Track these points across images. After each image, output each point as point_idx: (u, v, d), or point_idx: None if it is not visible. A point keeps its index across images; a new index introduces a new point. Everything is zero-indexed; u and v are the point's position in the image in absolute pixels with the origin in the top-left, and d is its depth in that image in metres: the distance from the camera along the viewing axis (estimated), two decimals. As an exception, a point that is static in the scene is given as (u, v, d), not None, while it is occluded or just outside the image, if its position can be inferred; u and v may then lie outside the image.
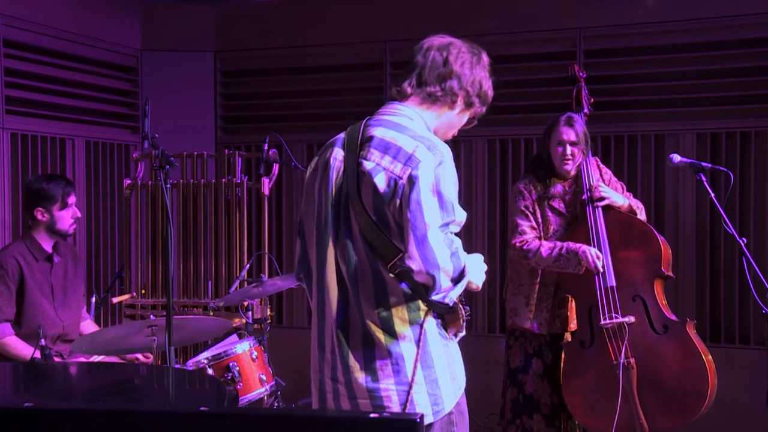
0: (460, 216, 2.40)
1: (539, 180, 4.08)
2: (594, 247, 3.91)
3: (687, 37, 5.08)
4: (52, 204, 4.02)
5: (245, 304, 4.31)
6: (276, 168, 4.75)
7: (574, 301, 4.06)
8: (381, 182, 2.36)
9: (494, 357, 4.92)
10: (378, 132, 2.44)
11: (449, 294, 2.38)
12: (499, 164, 5.47)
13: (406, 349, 2.40)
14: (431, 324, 2.43)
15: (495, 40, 5.35)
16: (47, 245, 4.08)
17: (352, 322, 2.42)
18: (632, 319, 3.86)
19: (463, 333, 2.51)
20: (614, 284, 3.89)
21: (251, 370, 3.90)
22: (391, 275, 2.36)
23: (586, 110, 4.22)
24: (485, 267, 2.53)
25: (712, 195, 3.59)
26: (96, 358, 3.97)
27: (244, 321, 4.33)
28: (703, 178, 3.60)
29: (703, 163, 3.68)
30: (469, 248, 2.44)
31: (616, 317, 3.86)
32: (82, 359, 3.98)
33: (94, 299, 4.41)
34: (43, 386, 3.10)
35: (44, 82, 5.17)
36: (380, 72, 5.65)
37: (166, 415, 1.71)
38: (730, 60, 5.03)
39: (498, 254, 5.41)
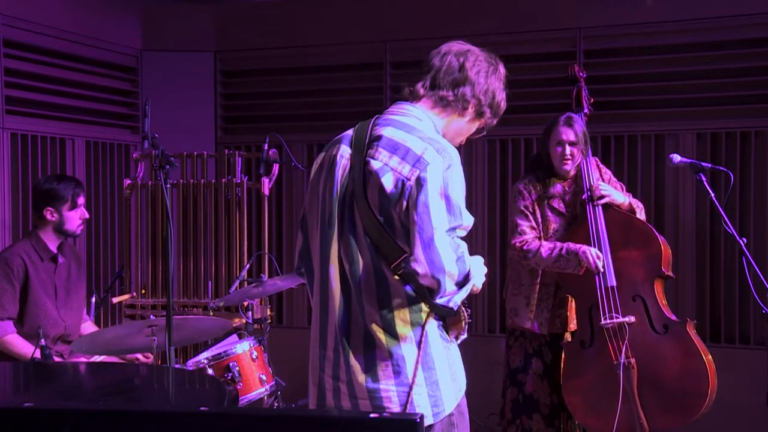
0: (468, 221, 2.39)
1: (539, 180, 4.08)
2: (594, 246, 3.91)
3: (687, 37, 5.08)
4: (62, 204, 4.04)
5: (245, 304, 4.31)
6: (276, 168, 4.75)
7: (574, 301, 4.06)
8: (388, 183, 2.34)
9: (494, 357, 4.92)
10: (387, 132, 2.42)
11: (453, 298, 2.37)
12: (499, 164, 5.47)
13: (407, 350, 2.40)
14: (433, 326, 2.43)
15: (495, 40, 5.34)
16: (53, 245, 4.10)
17: (354, 321, 2.42)
18: (632, 318, 3.87)
19: (465, 336, 2.51)
20: (614, 284, 3.89)
21: (251, 370, 3.90)
22: (395, 277, 2.36)
23: (586, 110, 4.22)
24: (485, 269, 2.53)
25: (712, 195, 3.59)
26: (97, 358, 3.97)
27: (244, 321, 4.33)
28: (703, 178, 3.60)
29: (703, 163, 3.68)
30: (469, 248, 2.44)
31: (617, 317, 3.86)
32: (83, 359, 3.98)
33: (94, 299, 4.41)
34: (43, 386, 3.10)
35: (44, 82, 5.17)
36: (380, 72, 5.65)
37: (166, 415, 1.71)
38: (730, 60, 5.03)
39: (498, 254, 5.41)
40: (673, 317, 3.90)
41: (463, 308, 2.46)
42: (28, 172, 5.04)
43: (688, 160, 3.76)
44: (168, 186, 3.61)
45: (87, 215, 4.17)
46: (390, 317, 2.38)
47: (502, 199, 5.41)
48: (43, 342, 3.49)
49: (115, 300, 4.74)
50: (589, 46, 5.26)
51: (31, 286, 3.99)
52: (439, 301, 2.36)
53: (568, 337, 4.07)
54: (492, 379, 4.62)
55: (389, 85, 5.62)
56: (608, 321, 3.86)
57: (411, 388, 2.39)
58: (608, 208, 3.98)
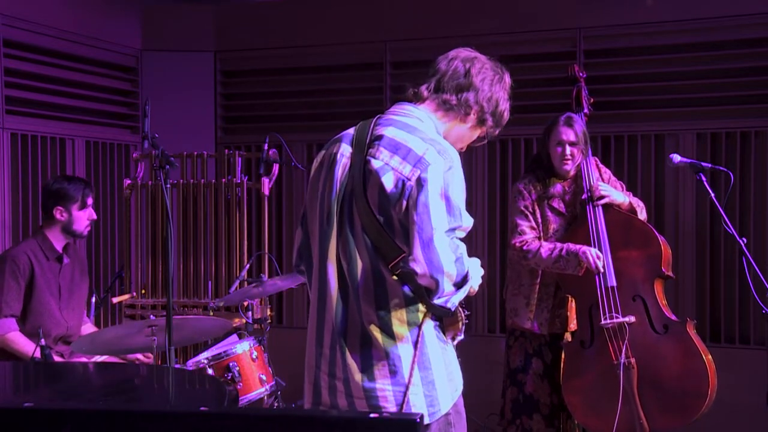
0: (467, 222, 2.39)
1: (539, 180, 4.08)
2: (594, 246, 3.91)
3: (687, 37, 5.08)
4: (72, 203, 4.07)
5: (245, 304, 4.31)
6: (276, 168, 4.75)
7: (574, 301, 4.06)
8: (389, 182, 2.35)
9: (494, 357, 4.92)
10: (388, 131, 2.43)
11: (451, 299, 2.38)
12: (499, 164, 5.47)
13: (403, 350, 2.40)
14: (429, 326, 2.43)
15: (495, 40, 5.36)
16: (59, 245, 4.12)
17: (351, 320, 2.42)
18: (632, 318, 3.86)
19: (461, 337, 2.52)
20: (614, 284, 3.89)
21: (251, 370, 3.90)
22: (393, 276, 2.36)
23: (586, 110, 4.22)
24: (482, 271, 2.53)
25: (712, 195, 3.59)
26: (98, 359, 3.97)
27: (244, 321, 4.33)
28: (703, 178, 3.60)
29: (703, 163, 3.68)
30: (469, 248, 2.44)
31: (617, 317, 3.86)
32: (83, 359, 3.98)
33: (94, 299, 4.41)
34: (44, 386, 3.10)
35: (44, 82, 5.17)
36: (380, 72, 5.65)
37: (166, 415, 1.71)
38: (730, 60, 5.03)
39: (498, 254, 5.41)
40: (673, 317, 3.90)
41: (460, 309, 2.46)
42: (28, 172, 5.04)
43: (688, 160, 3.76)
44: (168, 186, 3.61)
45: (95, 216, 4.20)
46: (387, 317, 2.38)
47: (502, 200, 5.41)
48: (43, 342, 3.50)
49: (115, 300, 4.74)
50: (589, 46, 5.26)
51: (36, 285, 4.01)
52: (436, 301, 2.36)
53: (568, 337, 4.07)
54: (492, 379, 4.62)
55: (389, 85, 5.62)
56: (608, 321, 3.86)
57: (407, 387, 2.39)
58: (608, 208, 3.98)
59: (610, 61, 5.26)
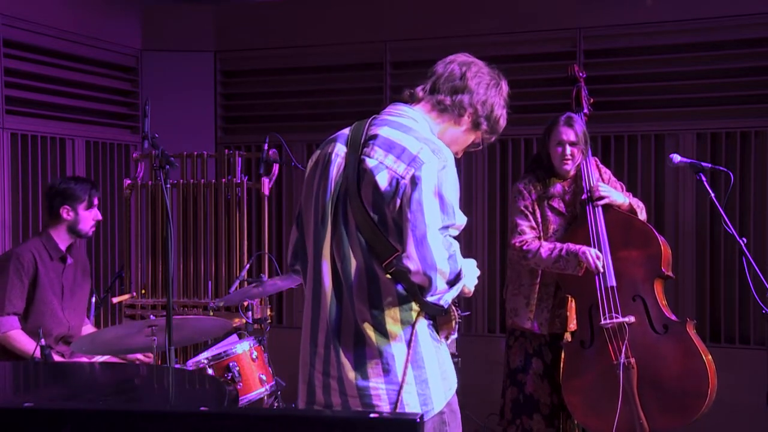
0: (461, 220, 2.40)
1: (539, 180, 4.08)
2: (594, 247, 3.91)
3: (687, 37, 5.08)
4: (79, 203, 4.10)
5: (245, 304, 4.31)
6: (276, 168, 4.75)
7: (574, 301, 4.06)
8: (383, 180, 2.36)
9: (494, 357, 4.92)
10: (383, 131, 2.44)
11: (444, 296, 2.39)
12: (499, 164, 5.47)
13: (396, 349, 2.41)
14: (423, 325, 2.44)
15: (495, 40, 5.36)
16: (63, 245, 4.14)
17: (345, 318, 2.43)
18: (632, 318, 3.86)
19: (455, 335, 2.53)
20: (614, 284, 3.89)
21: (251, 370, 3.90)
22: (387, 275, 2.37)
23: (585, 110, 4.22)
24: (478, 272, 2.54)
25: (712, 195, 3.59)
26: (98, 359, 3.98)
27: (244, 321, 4.33)
28: (703, 178, 3.60)
29: (703, 163, 3.68)
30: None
31: (616, 317, 3.86)
32: (84, 359, 3.99)
33: (93, 299, 4.41)
34: (44, 386, 3.10)
35: (44, 82, 5.17)
36: (380, 72, 5.65)
37: (166, 415, 1.71)
38: (730, 60, 5.03)
39: (498, 254, 5.41)
40: (673, 317, 3.90)
41: (453, 308, 2.47)
42: (28, 172, 5.04)
43: (688, 160, 3.76)
44: (168, 186, 3.61)
45: (100, 217, 4.23)
46: (380, 315, 2.39)
47: (502, 199, 5.41)
48: (43, 342, 3.50)
49: (115, 300, 4.74)
50: (589, 46, 5.26)
51: (39, 284, 4.02)
52: (430, 299, 2.37)
53: (568, 337, 4.07)
54: (492, 379, 4.62)
55: (389, 85, 5.62)
56: (608, 321, 3.86)
57: (401, 386, 2.40)
58: (608, 208, 3.98)
59: (610, 61, 5.26)
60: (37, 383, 3.16)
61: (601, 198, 3.95)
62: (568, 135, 3.98)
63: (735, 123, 4.99)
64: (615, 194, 4.00)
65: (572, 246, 3.90)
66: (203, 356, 3.91)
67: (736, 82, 5.01)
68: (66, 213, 4.09)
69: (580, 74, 4.27)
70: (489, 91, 2.57)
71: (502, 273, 5.30)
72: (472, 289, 2.51)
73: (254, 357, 3.92)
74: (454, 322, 2.48)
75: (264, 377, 3.93)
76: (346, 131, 2.53)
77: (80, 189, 4.11)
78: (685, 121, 5.09)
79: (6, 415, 1.70)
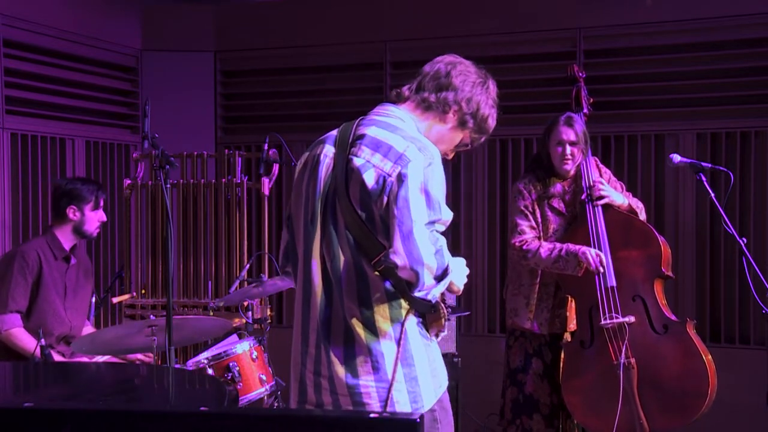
0: (447, 215, 2.42)
1: (539, 180, 4.08)
2: (594, 247, 3.91)
3: (687, 37, 5.08)
4: (85, 203, 4.12)
5: (245, 304, 4.31)
6: (276, 168, 4.75)
7: (573, 301, 4.06)
8: (370, 179, 2.38)
9: (494, 357, 4.92)
10: (370, 131, 2.47)
11: (432, 291, 2.40)
12: (499, 164, 5.47)
13: (386, 347, 2.43)
14: (412, 323, 2.46)
15: (495, 40, 5.36)
16: (67, 245, 4.15)
17: (335, 317, 2.45)
18: (632, 319, 3.86)
19: (445, 332, 2.54)
20: (614, 284, 3.89)
21: (251, 370, 3.90)
22: (375, 273, 2.39)
23: (585, 110, 4.22)
24: (467, 270, 2.56)
25: (712, 195, 3.59)
26: (99, 359, 3.98)
27: (244, 321, 4.33)
28: (703, 178, 3.60)
29: (703, 163, 3.68)
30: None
31: (616, 317, 3.86)
32: (84, 359, 3.99)
33: (93, 299, 4.42)
34: (44, 386, 3.10)
35: (44, 82, 5.17)
36: (380, 72, 5.65)
37: (166, 415, 1.71)
38: (730, 60, 5.03)
39: (498, 254, 5.41)
40: (673, 317, 3.90)
41: (442, 305, 2.48)
42: (28, 172, 5.04)
43: (688, 160, 3.76)
44: (168, 186, 3.61)
45: (105, 218, 4.24)
46: (370, 313, 2.41)
47: (502, 199, 5.40)
48: (43, 342, 3.50)
49: (115, 300, 4.74)
50: (589, 46, 5.26)
51: (43, 283, 4.04)
52: (417, 294, 2.39)
53: (567, 337, 4.07)
54: (492, 379, 4.62)
55: (389, 85, 5.62)
56: (608, 321, 3.86)
57: (391, 384, 2.42)
58: (608, 208, 3.98)
59: (610, 61, 5.27)
60: (37, 383, 3.16)
61: (601, 197, 3.95)
62: (568, 135, 3.98)
63: (735, 123, 4.99)
64: (615, 195, 4.00)
65: (572, 246, 3.90)
66: (203, 356, 3.91)
67: (736, 82, 5.01)
68: (72, 213, 4.10)
69: (580, 74, 4.27)
70: (474, 89, 2.58)
71: (502, 273, 5.30)
72: (461, 287, 2.52)
73: (254, 357, 3.92)
74: (443, 320, 2.50)
75: (264, 377, 3.93)
76: (335, 132, 2.56)
77: (87, 190, 4.13)
78: (685, 121, 5.09)
79: (6, 415, 1.70)
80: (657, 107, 5.19)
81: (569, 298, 4.06)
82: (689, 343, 3.81)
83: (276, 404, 4.10)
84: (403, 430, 1.57)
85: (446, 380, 2.57)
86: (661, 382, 3.82)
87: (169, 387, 2.94)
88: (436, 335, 2.53)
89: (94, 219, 4.15)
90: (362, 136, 2.46)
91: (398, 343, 2.42)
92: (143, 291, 4.79)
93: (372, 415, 1.61)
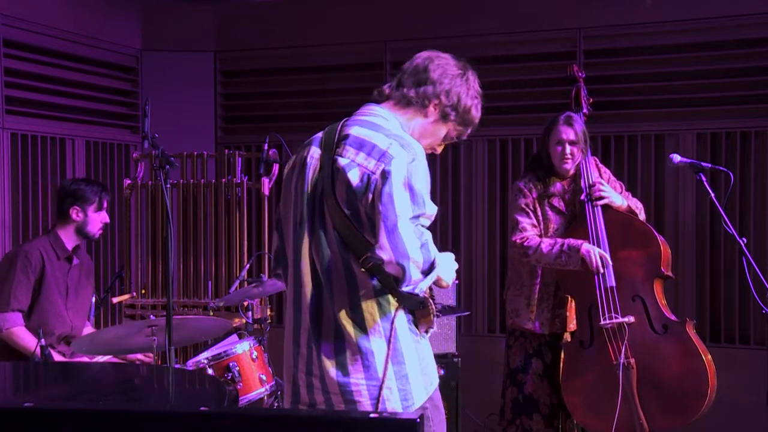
0: (431, 209, 2.44)
1: (539, 179, 4.08)
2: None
3: (687, 37, 5.08)
4: (89, 205, 4.13)
5: (245, 304, 4.31)
6: (276, 168, 4.75)
7: (573, 301, 4.06)
8: (354, 177, 2.41)
9: (494, 357, 4.92)
10: (353, 131, 2.50)
11: (419, 285, 2.41)
12: (499, 164, 5.47)
13: (375, 345, 2.44)
14: (402, 321, 2.47)
15: (495, 40, 5.36)
16: (70, 245, 4.16)
17: (326, 316, 2.47)
18: (632, 319, 3.86)
19: (434, 329, 2.55)
20: (614, 284, 3.89)
21: (251, 370, 3.90)
22: (362, 270, 2.40)
23: (585, 110, 4.21)
24: (456, 266, 2.57)
25: (712, 195, 3.59)
26: (99, 359, 3.98)
27: (244, 321, 4.33)
28: (703, 178, 3.60)
29: (703, 163, 3.68)
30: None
31: (616, 317, 3.86)
32: (85, 359, 3.99)
33: (93, 299, 4.42)
34: (44, 386, 3.10)
35: (44, 82, 5.17)
36: (380, 72, 5.65)
37: (166, 415, 1.71)
38: (730, 60, 5.03)
39: (498, 254, 5.41)
40: (673, 317, 3.90)
41: (431, 301, 2.49)
42: (28, 172, 5.04)
43: (688, 160, 3.76)
44: (168, 186, 3.61)
45: (108, 220, 4.26)
46: (359, 312, 2.43)
47: (502, 200, 5.40)
48: (43, 342, 3.50)
49: (115, 300, 4.74)
50: (589, 46, 5.26)
51: (45, 282, 4.05)
52: (405, 289, 2.40)
53: (567, 337, 4.07)
54: (492, 379, 4.62)
55: (389, 85, 5.61)
56: (608, 321, 3.86)
57: (383, 382, 2.43)
58: (607, 208, 3.98)
59: (610, 61, 5.26)
60: (37, 383, 3.16)
61: (601, 198, 3.95)
62: (568, 134, 3.98)
63: (735, 123, 4.99)
64: (615, 196, 4.00)
65: (573, 241, 3.90)
66: (203, 356, 3.91)
67: (736, 82, 5.01)
68: (75, 214, 4.12)
69: (580, 74, 4.27)
70: (453, 81, 2.59)
71: (502, 273, 5.30)
72: (450, 282, 2.53)
73: (254, 357, 3.93)
74: (432, 316, 2.51)
75: (264, 377, 3.93)
76: (321, 134, 2.59)
77: (91, 191, 4.15)
78: (685, 121, 5.09)
79: (6, 415, 1.70)
80: (657, 107, 5.19)
81: (569, 298, 4.06)
82: (689, 343, 3.81)
83: (276, 404, 4.10)
84: (403, 430, 1.57)
85: (437, 378, 2.59)
86: (660, 382, 3.82)
87: (169, 387, 2.94)
88: (426, 332, 2.54)
89: (96, 220, 4.17)
90: (346, 137, 2.49)
91: (388, 341, 2.44)
92: (143, 291, 4.79)
93: (372, 415, 1.61)
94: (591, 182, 4.00)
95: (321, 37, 5.76)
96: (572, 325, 4.08)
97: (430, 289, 2.52)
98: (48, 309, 4.05)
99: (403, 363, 2.46)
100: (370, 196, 2.39)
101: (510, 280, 4.20)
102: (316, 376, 2.49)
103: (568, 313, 4.07)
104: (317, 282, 2.48)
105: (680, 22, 5.06)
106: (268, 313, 4.54)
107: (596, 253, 3.86)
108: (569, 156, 3.99)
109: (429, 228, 2.45)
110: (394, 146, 2.42)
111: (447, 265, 2.50)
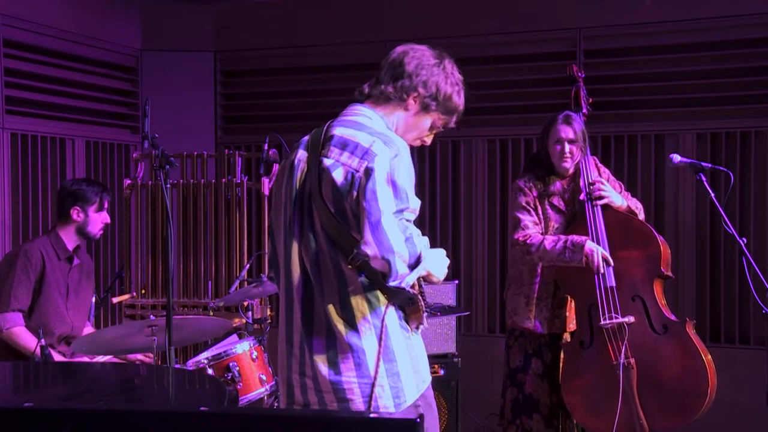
0: (414, 203, 2.46)
1: (538, 178, 4.08)
2: (593, 247, 3.91)
3: (687, 37, 5.08)
4: (90, 205, 4.14)
5: (245, 304, 4.31)
6: (276, 168, 4.75)
7: (573, 301, 4.06)
8: (339, 176, 2.44)
9: (494, 357, 4.92)
10: (338, 131, 2.53)
11: (406, 279, 2.42)
12: (499, 164, 5.47)
13: (366, 343, 2.46)
14: (392, 318, 2.48)
15: (495, 40, 5.36)
16: (71, 245, 4.17)
17: (316, 316, 2.49)
18: (632, 319, 3.86)
19: (425, 325, 2.56)
20: (614, 284, 3.88)
21: (251, 370, 3.90)
22: (349, 267, 2.42)
23: (584, 110, 4.22)
24: (447, 261, 2.57)
25: (712, 195, 3.59)
26: (99, 359, 3.98)
27: (244, 321, 4.33)
28: (703, 178, 3.60)
29: (703, 163, 3.68)
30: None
31: (616, 317, 3.86)
32: (85, 359, 3.99)
33: (93, 299, 4.42)
34: (44, 386, 3.10)
35: (44, 82, 5.17)
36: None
37: (166, 415, 1.71)
38: (730, 60, 5.03)
39: (498, 254, 5.41)
40: (673, 317, 3.90)
41: (420, 298, 2.50)
42: (28, 172, 5.04)
43: (688, 160, 3.76)
44: (168, 186, 3.61)
45: (108, 220, 4.26)
46: (348, 308, 2.45)
47: (502, 199, 5.40)
48: (43, 342, 3.50)
49: (115, 300, 4.74)
50: (589, 46, 5.26)
51: (45, 282, 4.05)
52: (392, 283, 2.41)
53: (567, 337, 4.07)
54: (492, 379, 4.62)
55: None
56: (607, 321, 3.86)
57: (375, 380, 2.44)
58: (607, 208, 3.98)
59: (610, 61, 5.26)
60: (37, 383, 3.16)
61: (601, 197, 3.95)
62: (567, 133, 3.98)
63: (735, 123, 4.99)
64: (615, 196, 3.99)
65: (576, 237, 3.89)
66: (203, 356, 3.91)
67: (736, 82, 5.01)
68: (76, 214, 4.12)
69: (579, 74, 4.27)
70: (430, 71, 2.60)
71: (502, 273, 5.30)
72: (441, 277, 2.54)
73: (254, 357, 3.93)
74: (422, 312, 2.51)
75: (264, 377, 3.93)
76: (307, 137, 2.63)
77: (92, 191, 4.15)
78: (685, 121, 5.09)
79: (6, 415, 1.70)
80: (657, 107, 5.19)
81: (569, 298, 4.06)
82: (689, 343, 3.81)
83: (276, 404, 4.09)
84: (403, 430, 1.57)
85: (429, 375, 2.60)
86: (660, 382, 3.82)
87: (169, 387, 2.94)
88: (417, 328, 2.55)
89: (97, 220, 4.17)
90: (331, 137, 2.52)
91: (379, 339, 2.45)
92: (143, 291, 4.79)
93: (372, 415, 1.61)
94: (591, 181, 4.00)
95: (321, 37, 5.76)
96: (572, 325, 4.07)
97: (420, 285, 2.53)
98: (48, 309, 4.05)
99: (394, 361, 2.47)
100: (355, 193, 2.41)
101: (510, 279, 4.19)
102: (309, 377, 2.51)
103: (567, 313, 4.07)
104: (308, 282, 2.50)
105: (680, 22, 5.06)
106: (268, 313, 4.54)
107: (599, 253, 3.86)
108: (568, 155, 3.99)
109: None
110: (377, 144, 2.44)
111: (437, 261, 2.51)
